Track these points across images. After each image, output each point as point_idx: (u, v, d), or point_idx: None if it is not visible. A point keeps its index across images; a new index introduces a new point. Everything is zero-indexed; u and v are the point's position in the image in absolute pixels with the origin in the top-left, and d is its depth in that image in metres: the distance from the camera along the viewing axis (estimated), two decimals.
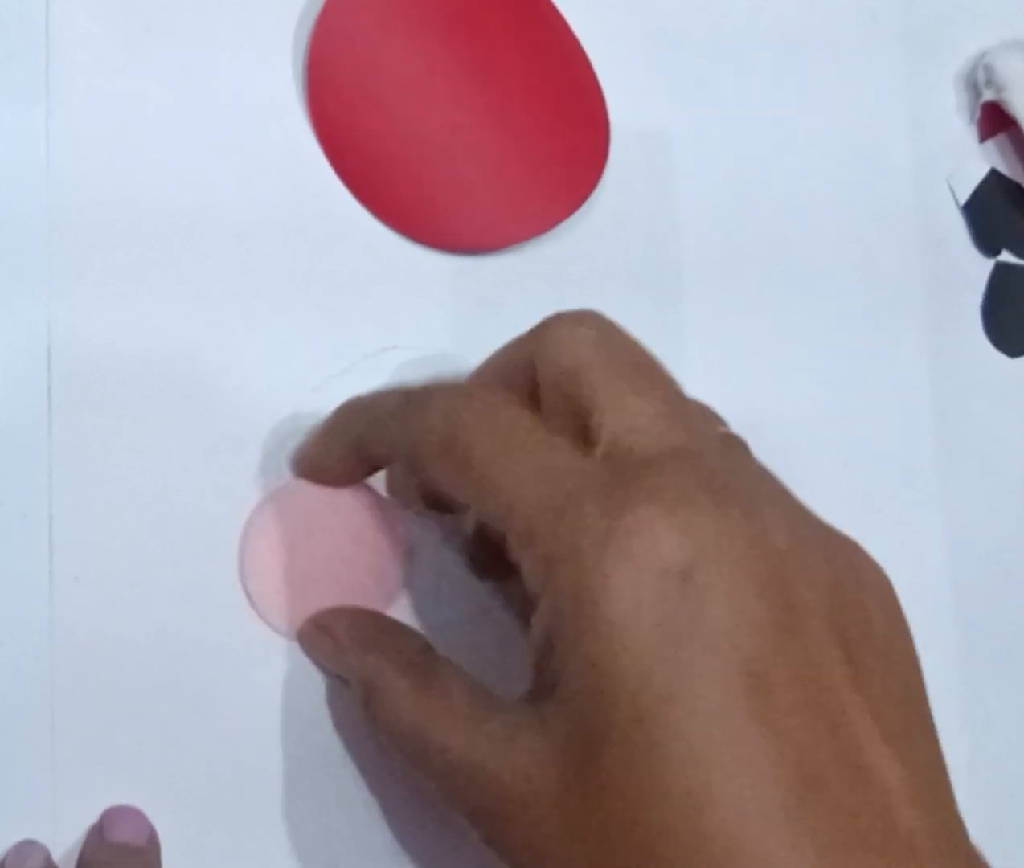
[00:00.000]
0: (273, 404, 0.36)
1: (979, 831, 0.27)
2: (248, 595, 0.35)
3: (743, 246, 0.40)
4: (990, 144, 0.43)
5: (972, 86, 0.42)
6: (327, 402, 0.36)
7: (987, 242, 0.42)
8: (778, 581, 0.26)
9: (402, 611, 0.35)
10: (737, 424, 0.32)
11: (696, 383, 0.32)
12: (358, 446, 0.33)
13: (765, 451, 0.31)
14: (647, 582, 0.26)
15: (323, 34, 0.37)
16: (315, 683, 0.35)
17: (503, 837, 0.28)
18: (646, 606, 0.25)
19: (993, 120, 0.42)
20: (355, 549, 0.35)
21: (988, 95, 0.42)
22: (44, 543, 0.34)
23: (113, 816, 0.33)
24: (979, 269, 0.42)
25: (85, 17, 0.36)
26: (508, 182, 0.38)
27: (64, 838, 0.33)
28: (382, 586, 0.35)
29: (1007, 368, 0.42)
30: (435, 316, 0.37)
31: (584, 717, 0.26)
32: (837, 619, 0.26)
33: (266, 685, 0.35)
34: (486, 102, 0.38)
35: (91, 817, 0.33)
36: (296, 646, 0.35)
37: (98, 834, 0.33)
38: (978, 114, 0.42)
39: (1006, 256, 0.42)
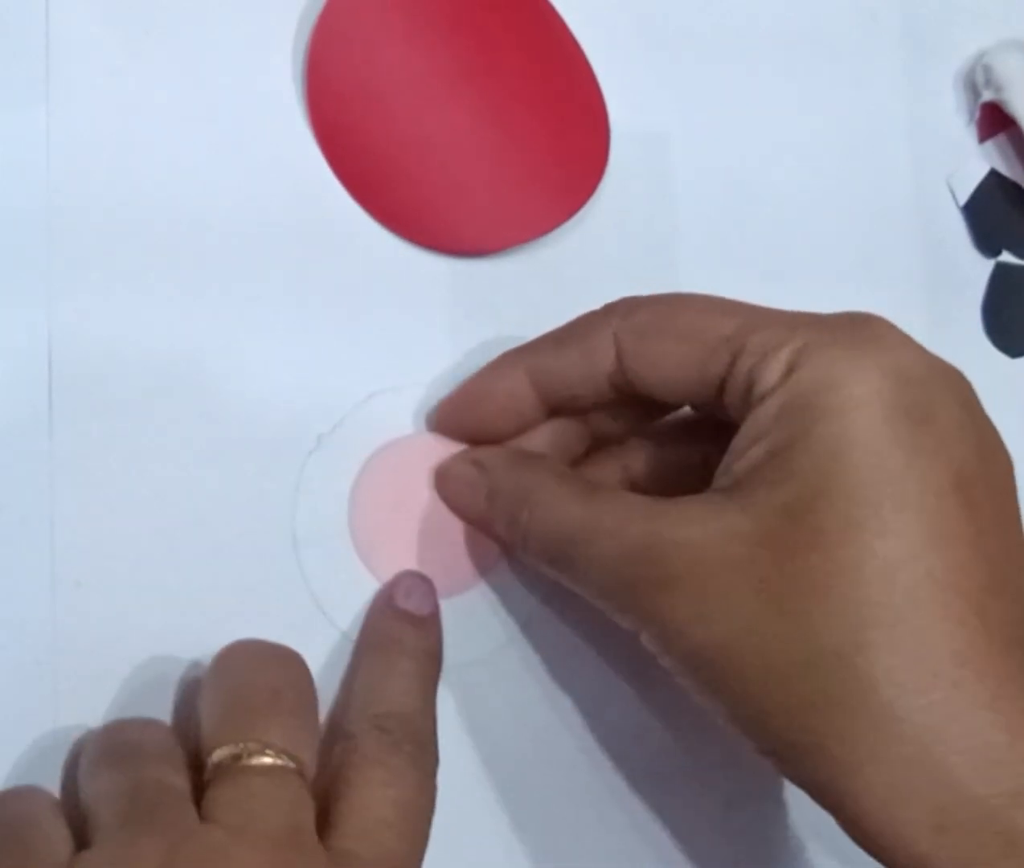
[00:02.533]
0: (272, 405, 0.36)
1: None
2: (353, 539, 0.36)
3: (743, 247, 0.40)
4: (990, 144, 0.43)
5: (971, 86, 0.42)
6: (326, 403, 0.36)
7: (987, 242, 0.42)
8: (982, 413, 0.30)
9: (498, 585, 0.36)
10: None
11: None
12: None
13: None
14: (887, 378, 0.29)
15: (323, 35, 0.37)
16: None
17: (673, 606, 0.29)
18: (883, 395, 0.29)
19: (992, 120, 0.42)
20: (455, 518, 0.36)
21: (987, 95, 0.41)
22: (45, 547, 0.34)
23: (403, 583, 0.35)
24: (979, 269, 0.42)
25: (85, 18, 0.36)
26: (507, 184, 0.38)
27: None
28: (480, 555, 0.36)
29: (1007, 368, 0.42)
30: (433, 318, 0.37)
31: (807, 488, 0.28)
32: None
33: None
34: (486, 104, 0.38)
35: None
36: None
37: (386, 599, 0.35)
38: (977, 114, 0.42)
39: (1006, 256, 0.42)
